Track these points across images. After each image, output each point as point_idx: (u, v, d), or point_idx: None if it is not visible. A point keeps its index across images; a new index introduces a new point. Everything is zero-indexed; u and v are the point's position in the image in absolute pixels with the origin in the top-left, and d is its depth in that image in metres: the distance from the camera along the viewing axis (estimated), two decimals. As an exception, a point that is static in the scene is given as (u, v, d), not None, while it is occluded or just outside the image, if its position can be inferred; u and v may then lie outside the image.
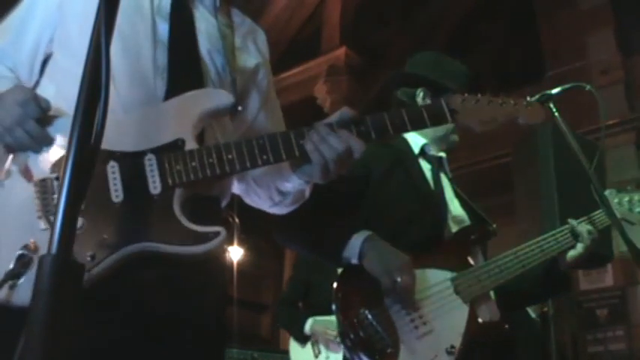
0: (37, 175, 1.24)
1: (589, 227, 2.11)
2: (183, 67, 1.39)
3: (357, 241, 1.81)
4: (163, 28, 1.40)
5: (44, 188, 1.23)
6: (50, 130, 1.27)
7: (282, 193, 1.49)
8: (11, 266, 1.14)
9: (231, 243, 7.42)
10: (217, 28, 1.47)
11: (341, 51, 6.92)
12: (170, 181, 1.22)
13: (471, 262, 1.96)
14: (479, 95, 1.44)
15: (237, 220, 7.13)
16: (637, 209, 2.22)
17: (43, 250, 1.15)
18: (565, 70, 5.88)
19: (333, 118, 1.33)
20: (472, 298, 1.86)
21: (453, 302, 1.85)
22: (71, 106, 1.26)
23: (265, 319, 8.64)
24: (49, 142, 1.26)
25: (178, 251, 1.19)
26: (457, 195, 2.20)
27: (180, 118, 1.29)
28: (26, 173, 1.25)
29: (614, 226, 1.97)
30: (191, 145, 1.26)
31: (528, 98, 1.48)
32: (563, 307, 5.24)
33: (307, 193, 1.52)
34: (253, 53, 1.56)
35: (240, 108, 1.40)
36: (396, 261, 1.78)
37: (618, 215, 2.13)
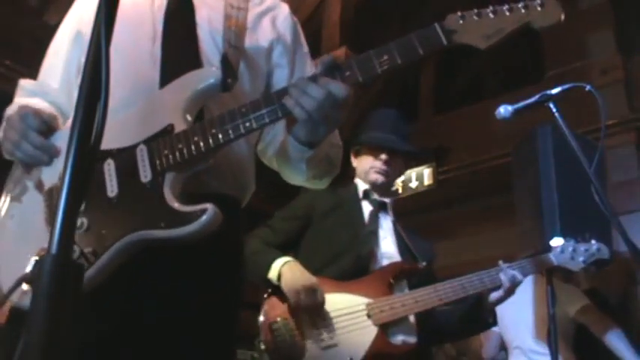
0: (47, 186, 1.29)
1: (515, 273, 2.30)
2: (177, 55, 1.38)
3: (277, 264, 2.17)
4: (160, 20, 1.41)
5: (50, 196, 1.27)
6: (60, 142, 1.31)
7: (294, 161, 1.44)
8: (27, 271, 1.16)
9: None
10: (222, 12, 1.45)
11: (341, 51, 6.91)
12: (158, 167, 1.22)
13: (391, 292, 2.22)
14: (476, 10, 1.26)
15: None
16: (580, 258, 2.41)
17: None
18: (565, 70, 5.87)
19: (317, 69, 1.27)
20: (382, 322, 2.13)
21: (363, 323, 2.13)
22: None
23: (265, 319, 8.64)
24: (55, 152, 1.30)
25: (167, 235, 1.18)
26: (397, 234, 2.46)
27: (171, 105, 1.29)
28: (39, 186, 1.30)
29: (615, 226, 1.97)
30: (181, 128, 1.25)
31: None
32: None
33: (335, 161, 1.49)
34: (267, 31, 1.53)
35: (230, 81, 1.36)
36: (304, 282, 2.09)
37: (555, 262, 2.40)
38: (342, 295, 2.17)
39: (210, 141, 1.23)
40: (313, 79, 1.23)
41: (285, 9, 1.60)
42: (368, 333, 2.10)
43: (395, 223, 2.49)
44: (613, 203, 2.07)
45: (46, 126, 1.31)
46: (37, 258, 1.18)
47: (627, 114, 5.82)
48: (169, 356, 1.25)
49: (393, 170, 2.52)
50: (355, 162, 2.59)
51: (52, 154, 1.30)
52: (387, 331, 2.15)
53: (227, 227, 1.23)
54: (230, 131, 1.23)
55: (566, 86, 2.07)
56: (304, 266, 2.22)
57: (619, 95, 5.89)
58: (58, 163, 1.30)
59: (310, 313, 2.09)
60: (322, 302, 2.11)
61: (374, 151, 2.51)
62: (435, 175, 6.77)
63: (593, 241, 2.42)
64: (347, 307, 2.14)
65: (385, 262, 2.32)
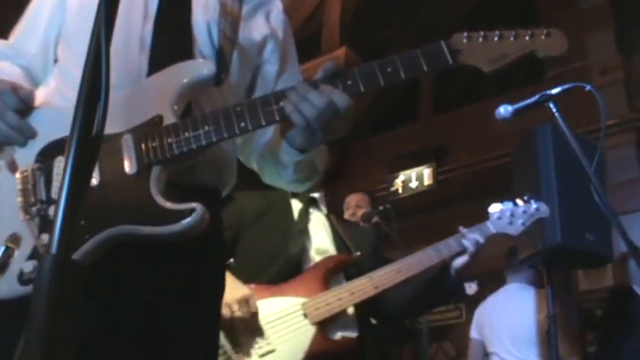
0: (22, 168, 1.23)
1: (476, 236, 2.25)
2: (168, 42, 1.33)
3: None
4: (153, 3, 1.35)
5: (25, 179, 1.21)
6: (36, 122, 1.26)
7: (282, 164, 1.40)
8: None
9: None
10: (218, 1, 1.40)
11: (341, 51, 6.91)
12: (145, 160, 1.17)
13: (326, 288, 2.19)
14: (482, 32, 1.23)
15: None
16: (519, 221, 2.29)
17: (23, 242, 1.16)
18: (565, 70, 5.87)
19: (318, 75, 1.22)
20: (319, 319, 2.11)
21: (300, 324, 2.11)
22: (67, 100, 1.28)
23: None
24: (31, 134, 1.25)
25: (153, 232, 1.13)
26: (331, 227, 2.43)
27: (160, 94, 1.23)
28: (12, 166, 1.24)
29: (615, 226, 1.97)
30: (170, 120, 1.20)
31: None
32: (563, 307, 5.24)
33: (319, 165, 1.45)
34: (261, 25, 1.48)
35: (223, 76, 1.31)
36: (235, 295, 2.04)
37: (493, 230, 2.29)
38: (276, 298, 2.15)
39: (202, 138, 1.18)
40: (314, 85, 1.19)
41: (278, 4, 1.55)
42: (305, 333, 2.10)
43: (328, 216, 2.46)
44: (613, 203, 2.07)
45: (24, 104, 1.25)
46: (8, 244, 1.15)
47: (627, 114, 5.82)
48: (153, 354, 1.21)
49: None
50: None
51: (27, 136, 1.24)
52: (326, 328, 2.13)
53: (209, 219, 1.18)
54: (224, 130, 1.19)
55: (566, 86, 2.06)
56: (239, 275, 2.16)
57: (619, 95, 5.90)
58: (34, 144, 1.24)
59: (244, 324, 2.06)
60: (255, 312, 2.09)
61: None
62: (435, 175, 6.78)
63: (532, 201, 2.31)
64: (282, 311, 2.13)
65: (318, 259, 2.29)
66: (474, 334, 4.33)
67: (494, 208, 2.32)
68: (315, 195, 2.47)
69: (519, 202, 2.34)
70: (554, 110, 2.04)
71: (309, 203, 2.44)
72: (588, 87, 2.04)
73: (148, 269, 1.20)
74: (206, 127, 1.19)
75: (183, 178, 1.26)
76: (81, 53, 1.27)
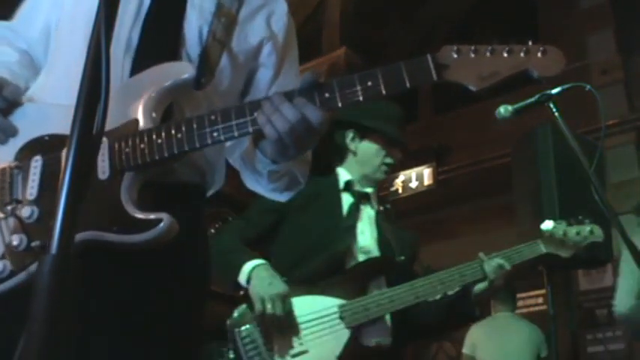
0: (1, 165, 1.22)
1: (500, 262, 2.19)
2: (155, 43, 1.30)
3: (247, 267, 2.09)
4: (146, 4, 1.32)
5: (2, 177, 1.20)
6: (18, 118, 1.25)
7: (257, 171, 1.37)
8: None
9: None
10: (214, 2, 1.36)
11: (341, 51, 6.91)
12: (118, 166, 1.15)
13: (366, 291, 2.14)
14: (474, 46, 1.14)
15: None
16: (571, 242, 2.23)
17: None
18: (565, 70, 5.86)
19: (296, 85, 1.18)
20: (355, 324, 2.06)
21: (335, 327, 2.06)
22: (51, 96, 1.28)
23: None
24: (13, 132, 1.24)
25: (119, 240, 1.11)
26: (377, 226, 2.33)
27: (138, 97, 1.20)
28: None
29: (614, 226, 1.97)
30: (146, 124, 1.18)
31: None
32: (563, 307, 5.24)
33: (299, 176, 1.41)
34: (260, 28, 1.43)
35: (204, 80, 1.27)
36: (271, 291, 2.02)
37: (544, 250, 2.23)
38: (315, 297, 2.10)
39: (175, 147, 1.15)
40: (289, 96, 1.14)
41: (282, 6, 1.49)
42: (340, 336, 2.04)
43: (378, 214, 2.37)
44: (613, 203, 2.06)
45: (7, 103, 1.24)
46: None
47: (627, 114, 5.82)
48: (130, 357, 1.18)
49: None
50: (354, 145, 2.39)
51: (8, 134, 1.23)
52: (360, 332, 2.07)
53: (191, 220, 1.16)
54: (196, 139, 1.15)
55: (566, 86, 2.06)
56: (277, 264, 2.13)
57: (619, 95, 5.90)
58: (15, 142, 1.23)
59: (278, 322, 2.02)
60: (289, 312, 2.04)
61: (390, 147, 2.35)
62: (435, 175, 6.78)
63: (586, 222, 2.26)
64: (319, 311, 2.07)
65: (362, 258, 2.22)
66: (466, 350, 4.80)
67: (547, 226, 2.24)
68: (369, 190, 2.37)
69: (573, 221, 2.28)
70: (554, 110, 2.04)
71: (361, 199, 2.34)
72: (588, 87, 2.04)
73: (123, 270, 1.18)
74: (179, 135, 1.15)
75: (162, 177, 1.23)
76: (69, 47, 1.28)
